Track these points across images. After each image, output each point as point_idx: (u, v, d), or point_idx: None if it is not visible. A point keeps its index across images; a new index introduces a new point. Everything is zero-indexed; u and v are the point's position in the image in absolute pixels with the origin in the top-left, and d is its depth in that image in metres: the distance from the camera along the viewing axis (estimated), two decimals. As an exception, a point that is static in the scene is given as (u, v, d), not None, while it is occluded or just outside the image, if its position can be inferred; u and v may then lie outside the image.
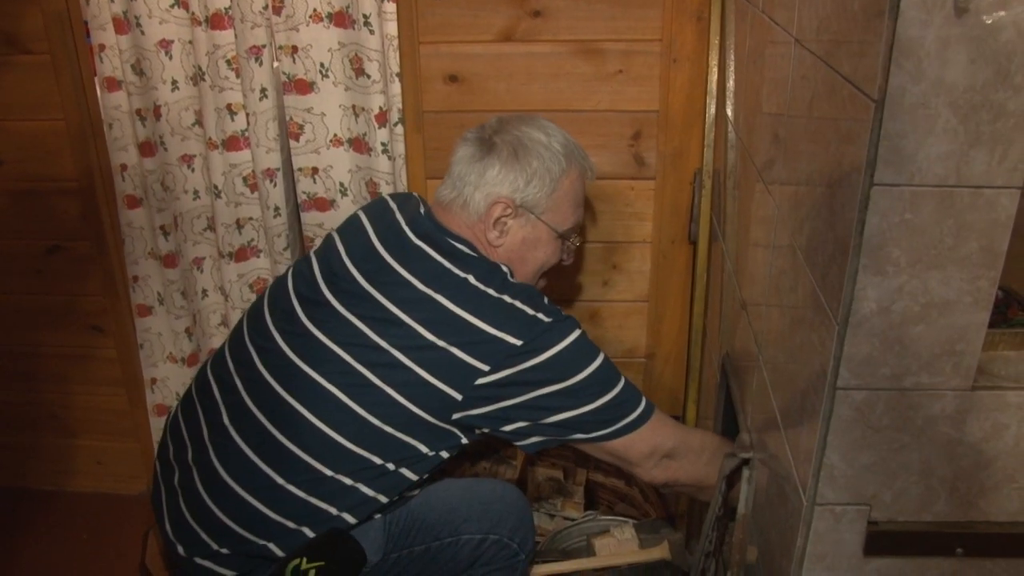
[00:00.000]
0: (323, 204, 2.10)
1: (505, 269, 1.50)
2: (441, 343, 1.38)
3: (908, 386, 0.98)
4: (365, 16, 1.88)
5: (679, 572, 1.68)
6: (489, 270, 1.47)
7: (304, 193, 2.09)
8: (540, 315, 1.41)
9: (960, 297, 0.93)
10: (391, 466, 1.44)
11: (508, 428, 1.43)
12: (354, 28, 1.91)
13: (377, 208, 1.65)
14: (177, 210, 2.13)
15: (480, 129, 1.59)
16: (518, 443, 1.46)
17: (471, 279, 1.44)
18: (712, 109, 1.89)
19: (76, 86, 2.06)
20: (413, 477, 1.47)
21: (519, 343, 1.38)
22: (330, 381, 1.42)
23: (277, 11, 1.91)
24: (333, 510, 1.43)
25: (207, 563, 1.46)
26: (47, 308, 2.31)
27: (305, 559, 1.12)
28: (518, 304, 1.42)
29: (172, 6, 1.94)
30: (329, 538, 1.37)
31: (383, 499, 1.46)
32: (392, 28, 1.90)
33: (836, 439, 1.02)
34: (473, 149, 1.55)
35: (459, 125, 2.00)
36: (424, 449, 1.45)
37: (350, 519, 1.45)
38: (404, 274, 1.45)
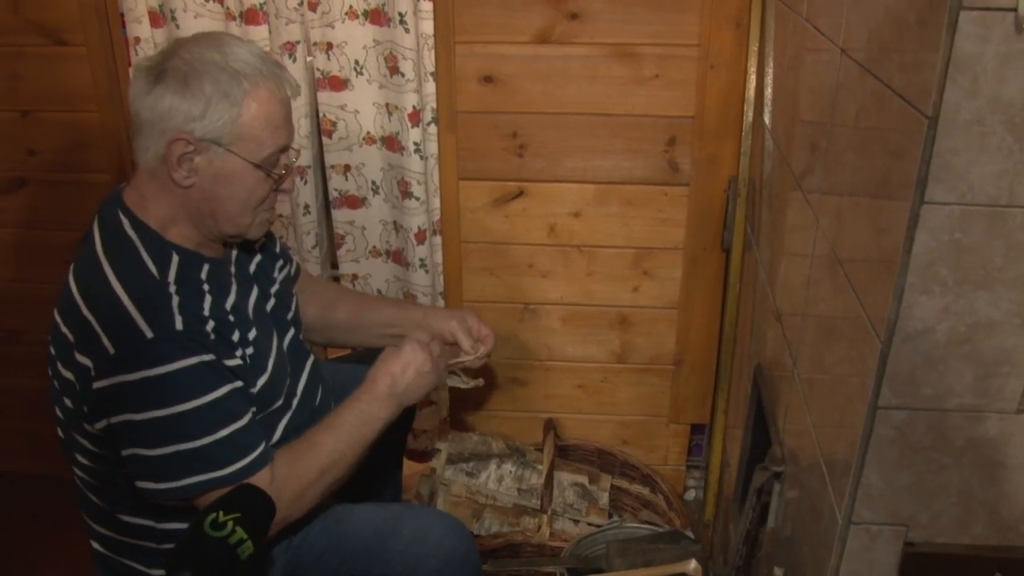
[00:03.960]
0: (354, 202, 2.10)
1: (146, 255, 1.29)
2: (70, 338, 1.26)
3: (951, 407, 0.96)
4: (401, 14, 1.87)
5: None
6: (125, 255, 1.29)
7: (335, 190, 2.09)
8: (144, 326, 1.21)
9: (1008, 319, 0.91)
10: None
11: (126, 454, 1.25)
12: (389, 26, 1.91)
13: None
14: (208, 204, 2.13)
15: (153, 56, 1.32)
16: (139, 483, 1.26)
17: (104, 262, 1.27)
18: (749, 116, 1.87)
19: (111, 78, 2.07)
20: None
21: (112, 351, 1.21)
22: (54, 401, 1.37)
23: (312, 7, 1.91)
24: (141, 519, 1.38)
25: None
26: (77, 298, 2.32)
27: (221, 512, 1.07)
28: (126, 304, 1.23)
29: (207, 0, 1.94)
30: (239, 490, 1.31)
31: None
32: (428, 27, 1.89)
33: (875, 458, 1.00)
34: (143, 81, 1.27)
35: (493, 126, 2.00)
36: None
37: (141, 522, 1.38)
38: (72, 268, 1.33)
